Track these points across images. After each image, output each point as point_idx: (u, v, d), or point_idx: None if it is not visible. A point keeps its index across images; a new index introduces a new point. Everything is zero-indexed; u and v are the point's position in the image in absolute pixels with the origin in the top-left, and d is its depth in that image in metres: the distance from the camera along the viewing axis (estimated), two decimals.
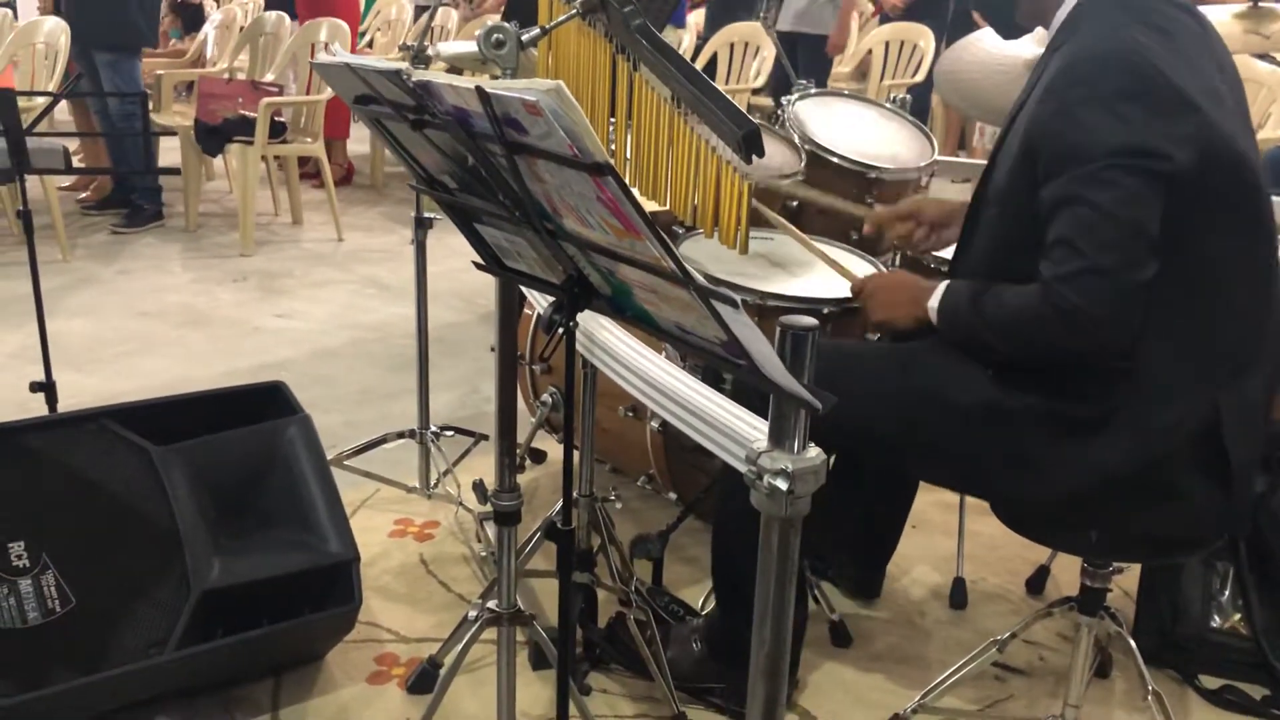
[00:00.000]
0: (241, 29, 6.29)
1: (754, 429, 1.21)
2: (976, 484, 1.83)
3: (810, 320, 1.11)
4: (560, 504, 1.42)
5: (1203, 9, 1.69)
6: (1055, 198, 1.52)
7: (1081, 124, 1.51)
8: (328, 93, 5.13)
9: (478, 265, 1.40)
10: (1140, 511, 1.60)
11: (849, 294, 2.22)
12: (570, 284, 1.21)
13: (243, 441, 2.18)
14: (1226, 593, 2.18)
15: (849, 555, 2.42)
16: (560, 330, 1.19)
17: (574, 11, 1.59)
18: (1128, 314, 1.50)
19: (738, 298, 0.93)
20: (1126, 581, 2.42)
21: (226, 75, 5.91)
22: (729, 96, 1.46)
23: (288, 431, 2.20)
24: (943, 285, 1.74)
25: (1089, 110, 1.50)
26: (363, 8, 7.25)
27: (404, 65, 1.06)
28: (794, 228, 2.27)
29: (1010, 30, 1.85)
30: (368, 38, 7.73)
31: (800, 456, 1.13)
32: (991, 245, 1.71)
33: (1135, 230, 1.47)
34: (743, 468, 1.16)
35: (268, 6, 6.58)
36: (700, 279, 0.97)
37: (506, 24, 1.55)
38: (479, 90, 0.94)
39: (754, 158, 1.47)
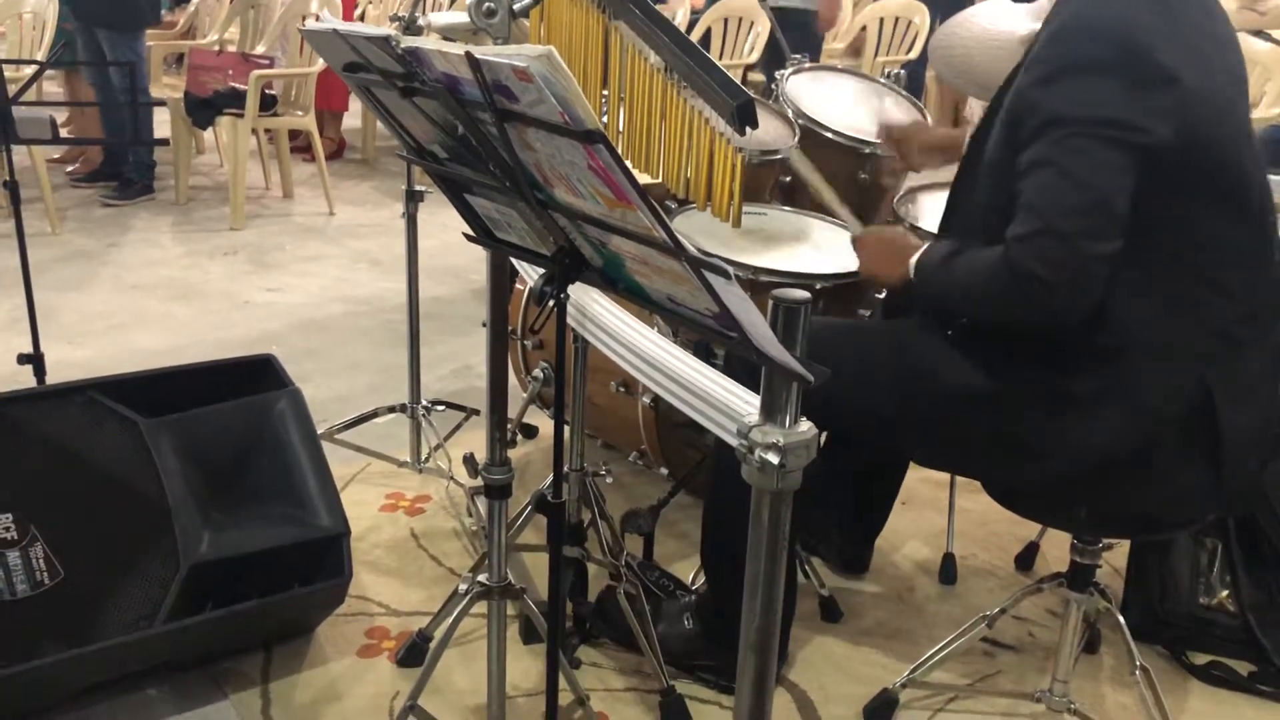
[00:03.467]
0: (232, 1, 6.24)
1: (746, 403, 1.21)
2: (967, 464, 1.83)
3: (803, 294, 1.11)
4: (551, 478, 1.41)
5: None
6: (1029, 161, 1.52)
7: (1062, 92, 1.50)
8: (319, 65, 5.08)
9: (468, 237, 1.38)
10: (1130, 489, 1.60)
11: (842, 270, 2.23)
12: (561, 255, 1.20)
13: (232, 415, 2.17)
14: (1215, 569, 2.18)
15: (838, 530, 2.42)
16: (551, 302, 1.18)
17: None
18: (1082, 282, 1.48)
19: (728, 268, 0.92)
20: (1116, 558, 2.43)
21: (217, 47, 5.85)
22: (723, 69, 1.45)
23: (278, 405, 2.19)
24: (926, 245, 1.74)
25: (1070, 78, 1.49)
26: None
27: (393, 32, 1.05)
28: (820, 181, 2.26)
29: None
30: (359, 10, 7.66)
31: (792, 430, 1.13)
32: (978, 213, 1.71)
33: (1100, 200, 1.47)
34: (734, 441, 1.16)
35: None
36: (692, 249, 0.96)
37: None
38: (468, 56, 0.93)
39: (748, 130, 1.46)
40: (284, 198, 5.52)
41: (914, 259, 1.73)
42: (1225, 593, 2.17)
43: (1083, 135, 1.47)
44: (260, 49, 5.41)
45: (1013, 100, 1.59)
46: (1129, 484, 1.60)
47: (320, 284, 4.25)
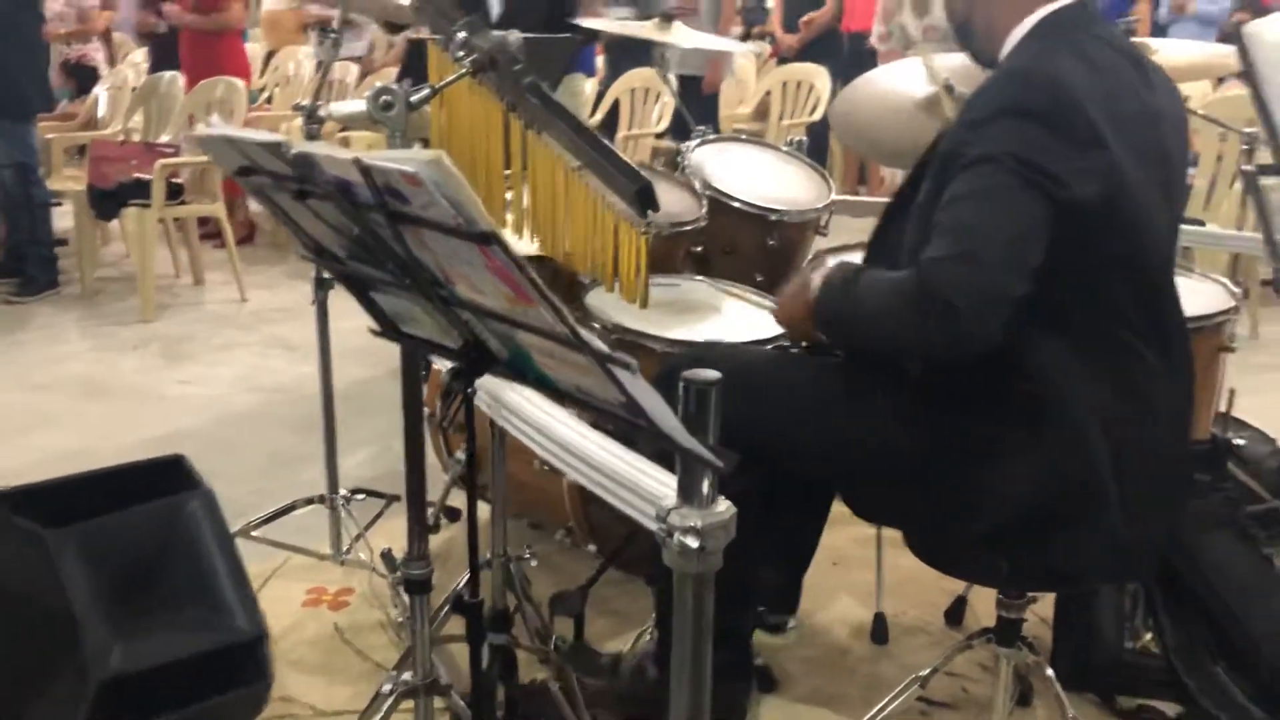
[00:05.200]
0: (134, 90, 6.17)
1: (663, 485, 1.20)
2: (891, 513, 1.83)
3: (712, 374, 1.11)
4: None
5: None
6: (953, 194, 1.53)
7: (993, 132, 1.52)
8: None
9: (374, 332, 1.37)
10: (1046, 545, 1.62)
11: (758, 337, 2.24)
12: (468, 349, 1.19)
13: (142, 520, 2.10)
14: (1139, 613, 2.22)
15: (765, 569, 2.39)
16: (459, 397, 1.17)
17: (464, 71, 1.58)
18: (987, 314, 1.47)
19: (633, 362, 0.92)
20: (1044, 608, 2.45)
21: (120, 138, 5.77)
22: (623, 154, 1.47)
23: (189, 507, 2.12)
24: (828, 267, 1.70)
25: (1002, 120, 1.52)
26: None
27: (284, 137, 1.04)
28: None
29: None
30: (266, 93, 7.64)
31: (710, 512, 1.13)
32: (904, 255, 1.71)
33: (1015, 240, 1.48)
34: (653, 526, 1.15)
35: (153, 67, 6.48)
36: (597, 344, 0.96)
37: (394, 86, 1.53)
38: (357, 162, 0.92)
39: (655, 207, 1.48)
40: (195, 285, 5.43)
41: (817, 280, 1.69)
42: (1149, 635, 2.20)
43: (1011, 173, 1.48)
44: (165, 138, 5.35)
45: (945, 145, 1.61)
46: (1045, 539, 1.62)
47: (235, 373, 4.17)
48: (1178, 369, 1.68)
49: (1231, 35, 7.26)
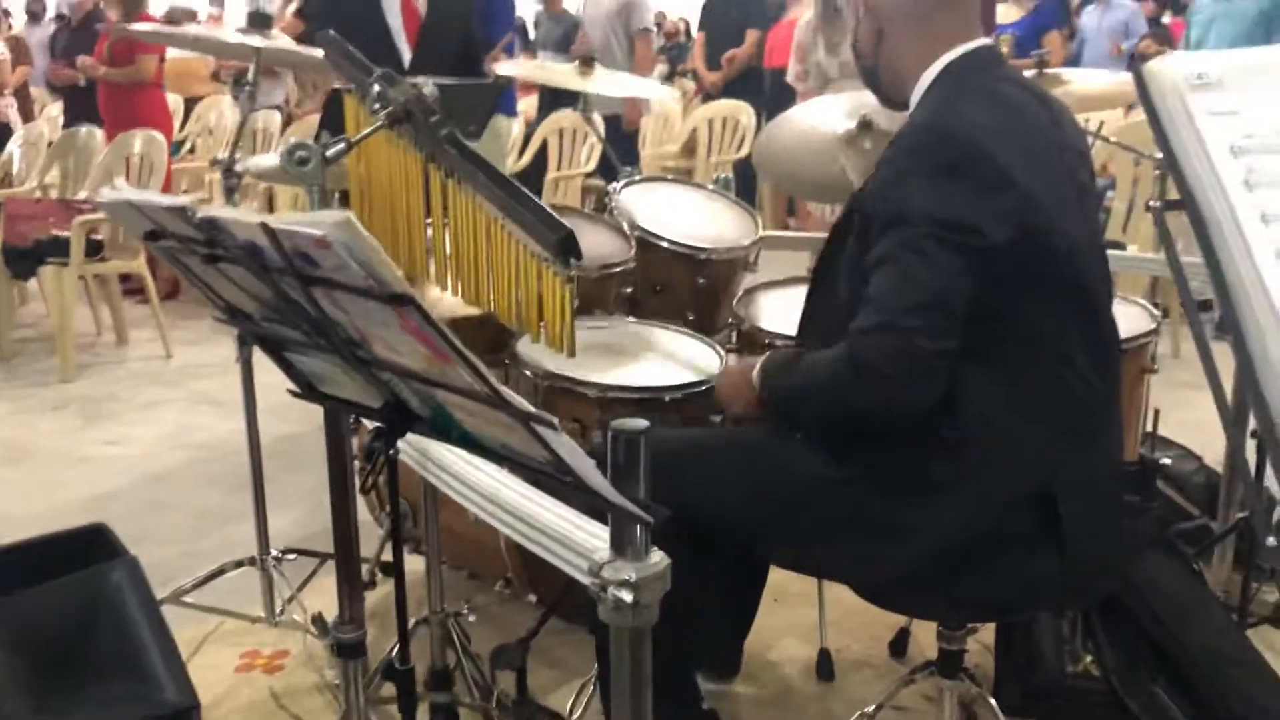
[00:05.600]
0: (50, 145, 6.05)
1: (595, 538, 1.18)
2: (826, 562, 1.82)
3: (640, 423, 1.10)
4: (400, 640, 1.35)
5: None
6: (875, 258, 1.56)
7: (906, 193, 1.55)
8: None
9: (293, 394, 1.34)
10: (982, 577, 1.62)
11: (691, 379, 2.23)
12: (389, 409, 1.16)
13: (63, 593, 2.03)
14: (1078, 637, 2.23)
15: (706, 632, 2.38)
16: (381, 458, 1.14)
17: (380, 124, 1.56)
18: (919, 378, 1.53)
19: (555, 420, 0.91)
20: (986, 635, 2.46)
21: (37, 195, 5.65)
22: (547, 200, 1.46)
23: (112, 577, 2.06)
24: (769, 352, 1.76)
25: (914, 180, 1.55)
26: None
27: (189, 201, 1.01)
28: None
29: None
30: (188, 144, 7.54)
31: (644, 564, 1.11)
32: (834, 314, 1.74)
33: (938, 299, 1.51)
34: (587, 580, 1.13)
35: (69, 121, 6.36)
36: (520, 403, 0.94)
37: (310, 141, 1.51)
38: (264, 227, 0.90)
39: (577, 255, 1.47)
40: (118, 343, 5.30)
41: (757, 368, 1.75)
42: (1089, 658, 2.22)
43: (925, 236, 1.52)
44: (83, 194, 5.24)
45: (864, 200, 1.64)
46: (980, 571, 1.62)
47: (160, 432, 4.07)
48: (1114, 395, 1.70)
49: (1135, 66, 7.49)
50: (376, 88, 1.53)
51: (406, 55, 3.53)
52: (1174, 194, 0.88)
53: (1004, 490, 1.58)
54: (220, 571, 2.60)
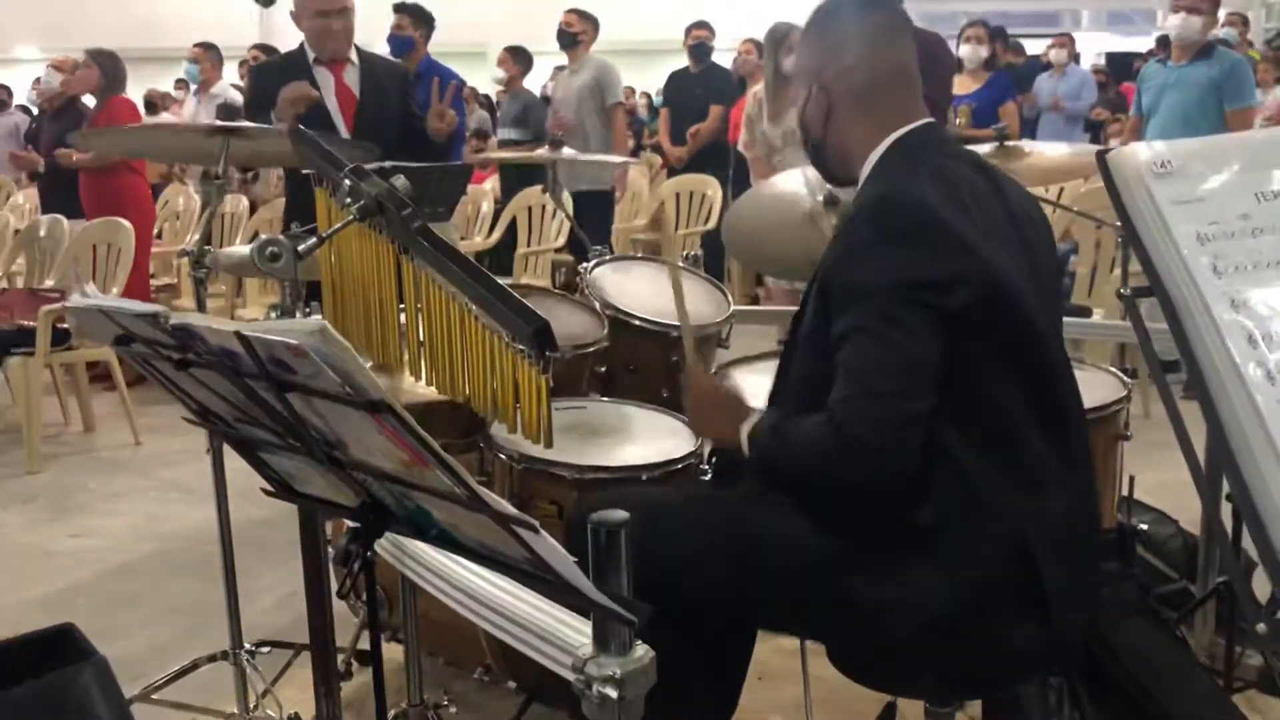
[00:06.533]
0: (16, 233, 6.02)
1: (578, 633, 1.17)
2: (812, 629, 1.82)
3: (620, 514, 1.09)
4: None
5: None
6: (842, 330, 1.58)
7: (866, 262, 1.57)
8: (114, 293, 4.91)
9: (267, 493, 1.32)
10: (966, 652, 1.61)
11: (668, 457, 2.22)
12: (365, 509, 1.15)
13: (28, 699, 1.96)
14: (1065, 707, 2.21)
15: (691, 714, 2.35)
16: (358, 561, 1.13)
17: (351, 217, 1.56)
18: (902, 441, 1.54)
19: (536, 524, 0.90)
20: (974, 709, 2.44)
21: (2, 284, 5.61)
22: (517, 288, 1.46)
23: (80, 680, 1.99)
24: (756, 414, 1.76)
25: (873, 250, 1.58)
26: None
27: (161, 308, 1.01)
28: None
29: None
30: (155, 230, 7.52)
31: (628, 659, 1.10)
32: (802, 383, 1.75)
33: (912, 362, 1.53)
34: (570, 677, 1.11)
35: (46, 208, 6.33)
36: (499, 505, 0.93)
37: (281, 236, 1.51)
38: (238, 336, 0.89)
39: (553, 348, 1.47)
40: (85, 432, 5.23)
41: (745, 429, 1.74)
42: None
43: (892, 302, 1.54)
44: (49, 282, 5.20)
45: (823, 274, 1.66)
46: (964, 646, 1.61)
47: (129, 523, 4.00)
48: (1079, 460, 1.71)
49: (1095, 127, 7.67)
50: (348, 182, 1.54)
51: (345, 135, 3.53)
52: (1137, 263, 0.90)
53: (978, 562, 1.58)
54: (193, 666, 2.53)
